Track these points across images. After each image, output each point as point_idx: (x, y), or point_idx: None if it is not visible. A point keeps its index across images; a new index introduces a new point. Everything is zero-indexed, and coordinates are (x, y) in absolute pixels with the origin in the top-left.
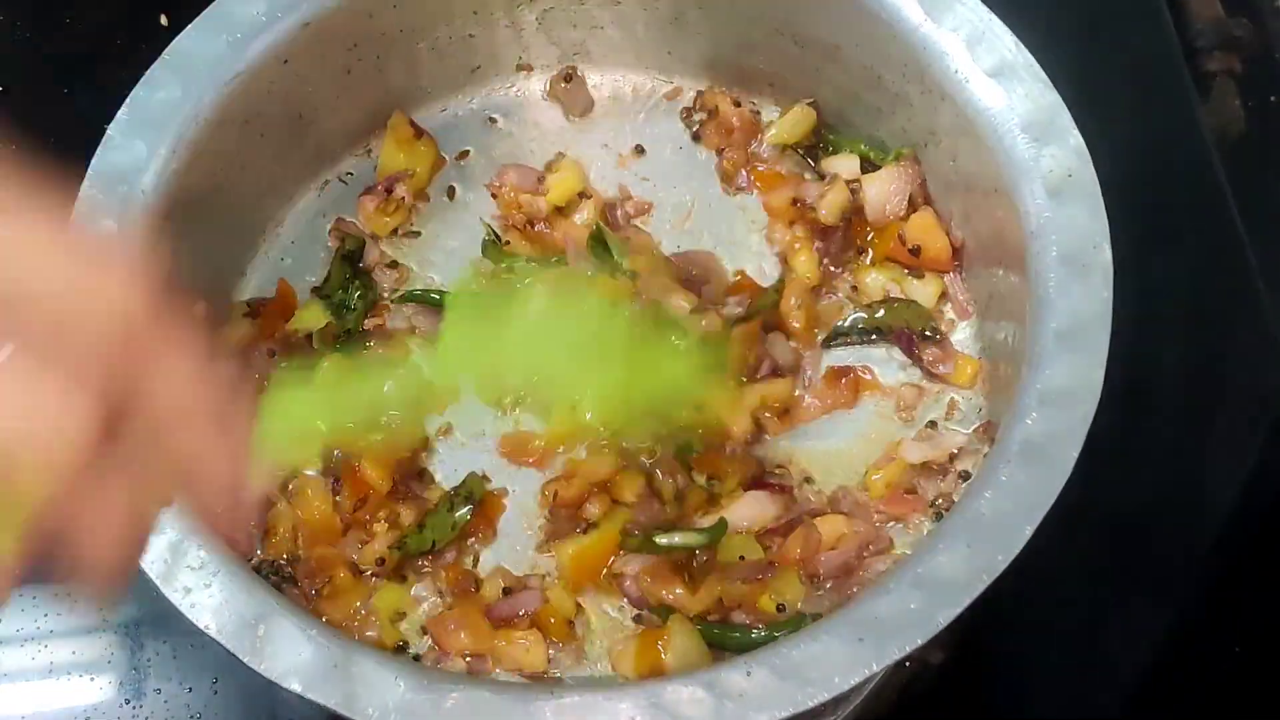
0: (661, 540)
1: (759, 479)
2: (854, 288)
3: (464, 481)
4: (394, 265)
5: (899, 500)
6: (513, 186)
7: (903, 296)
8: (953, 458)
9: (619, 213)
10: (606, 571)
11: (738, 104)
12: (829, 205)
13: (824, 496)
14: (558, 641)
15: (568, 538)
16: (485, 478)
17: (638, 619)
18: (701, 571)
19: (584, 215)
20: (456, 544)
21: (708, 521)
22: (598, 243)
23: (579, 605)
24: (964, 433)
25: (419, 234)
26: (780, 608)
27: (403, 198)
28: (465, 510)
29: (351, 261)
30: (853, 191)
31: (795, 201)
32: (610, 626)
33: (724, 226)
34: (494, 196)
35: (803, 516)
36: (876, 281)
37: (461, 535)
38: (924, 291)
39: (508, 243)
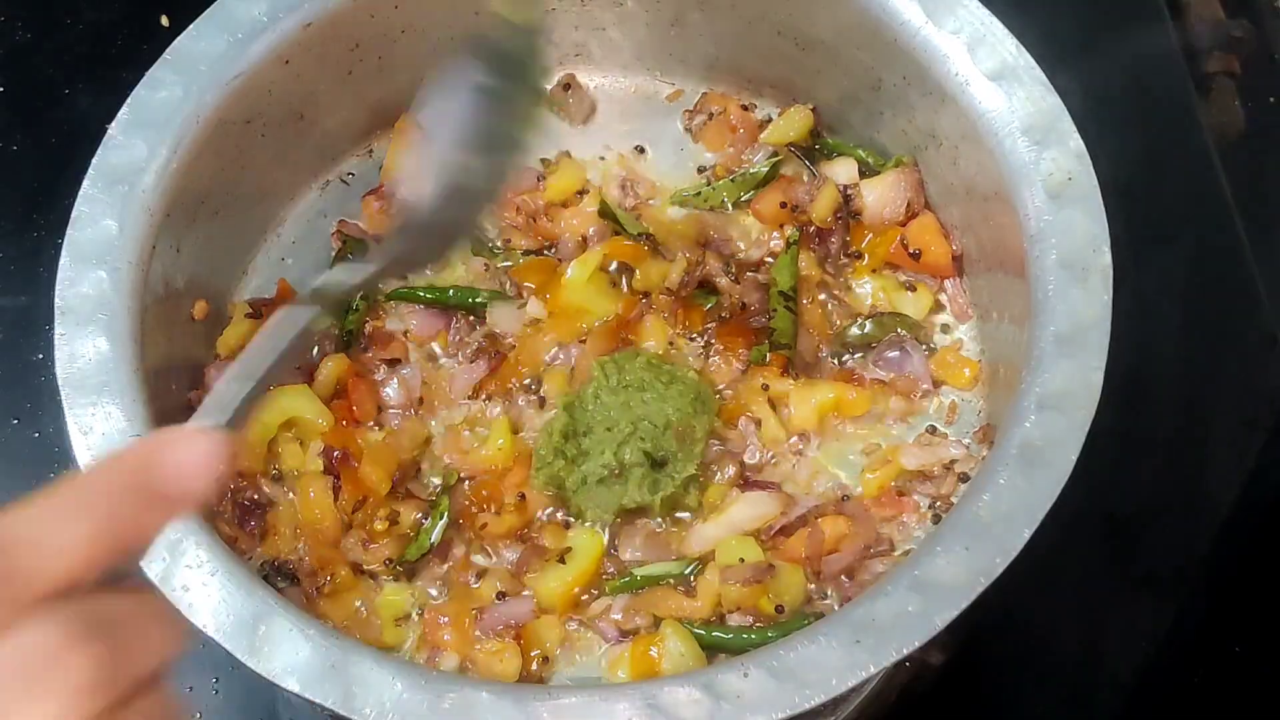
0: (639, 573)
1: (754, 480)
2: (849, 287)
3: (442, 479)
4: None
5: (891, 501)
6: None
7: (889, 310)
8: (950, 465)
9: (629, 193)
10: (584, 615)
11: (741, 106)
12: (819, 206)
13: (816, 489)
14: (535, 657)
15: (543, 568)
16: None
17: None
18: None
19: (585, 206)
20: (466, 539)
21: (696, 521)
22: (606, 217)
23: (565, 633)
24: (962, 442)
25: None
26: (779, 609)
27: None
28: (445, 504)
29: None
30: (850, 197)
31: (784, 204)
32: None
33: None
34: None
35: (806, 517)
36: (867, 290)
37: (467, 525)
38: (915, 304)
39: (507, 241)
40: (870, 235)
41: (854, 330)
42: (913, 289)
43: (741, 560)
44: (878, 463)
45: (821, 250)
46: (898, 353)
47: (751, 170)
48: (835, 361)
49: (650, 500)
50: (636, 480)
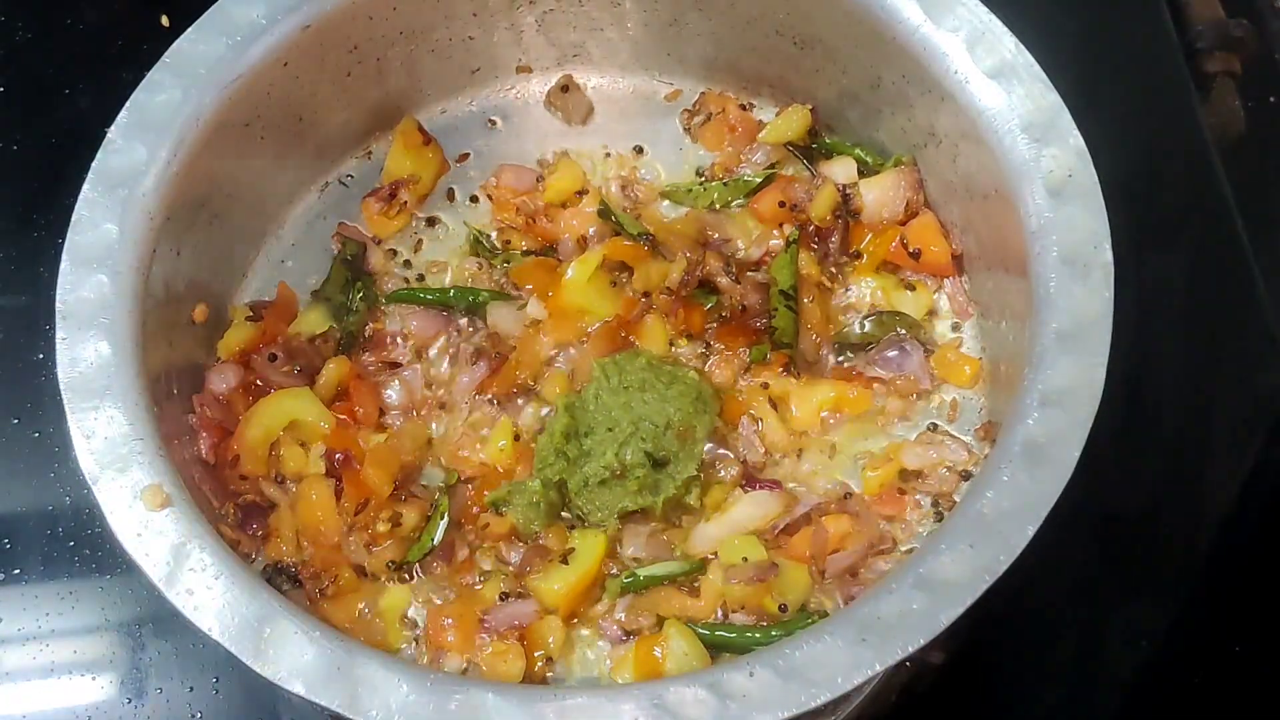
0: (642, 574)
1: (756, 479)
2: (848, 286)
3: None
4: (404, 267)
5: (892, 499)
6: (508, 188)
7: (888, 308)
8: (951, 463)
9: (629, 194)
10: (586, 614)
11: (740, 106)
12: (818, 205)
13: (818, 488)
14: (539, 658)
15: (546, 569)
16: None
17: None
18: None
19: (585, 206)
20: (468, 541)
21: (699, 520)
22: (606, 217)
23: (569, 634)
24: (963, 440)
25: (420, 236)
26: (783, 608)
27: (405, 201)
28: (445, 504)
29: (352, 265)
30: (849, 196)
31: (783, 204)
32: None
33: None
34: (489, 198)
35: (810, 515)
36: (866, 288)
37: (470, 526)
38: (915, 303)
39: (508, 242)
40: (869, 235)
41: (854, 329)
42: (912, 288)
43: (745, 559)
44: (879, 461)
45: (821, 249)
46: (897, 351)
47: (745, 177)
48: (836, 360)
49: (652, 503)
50: (638, 482)
